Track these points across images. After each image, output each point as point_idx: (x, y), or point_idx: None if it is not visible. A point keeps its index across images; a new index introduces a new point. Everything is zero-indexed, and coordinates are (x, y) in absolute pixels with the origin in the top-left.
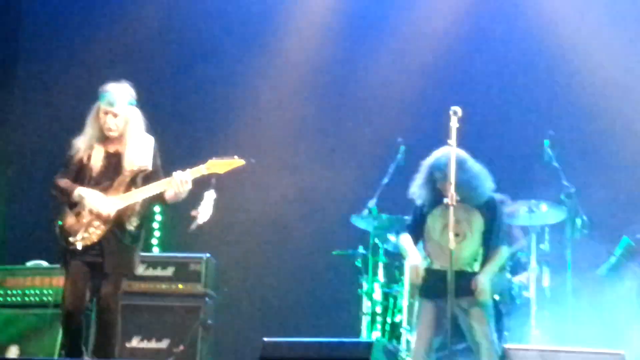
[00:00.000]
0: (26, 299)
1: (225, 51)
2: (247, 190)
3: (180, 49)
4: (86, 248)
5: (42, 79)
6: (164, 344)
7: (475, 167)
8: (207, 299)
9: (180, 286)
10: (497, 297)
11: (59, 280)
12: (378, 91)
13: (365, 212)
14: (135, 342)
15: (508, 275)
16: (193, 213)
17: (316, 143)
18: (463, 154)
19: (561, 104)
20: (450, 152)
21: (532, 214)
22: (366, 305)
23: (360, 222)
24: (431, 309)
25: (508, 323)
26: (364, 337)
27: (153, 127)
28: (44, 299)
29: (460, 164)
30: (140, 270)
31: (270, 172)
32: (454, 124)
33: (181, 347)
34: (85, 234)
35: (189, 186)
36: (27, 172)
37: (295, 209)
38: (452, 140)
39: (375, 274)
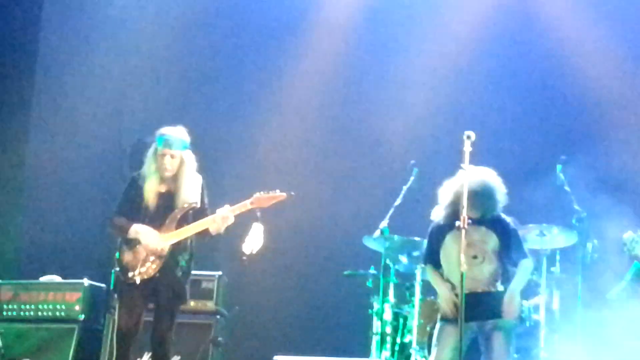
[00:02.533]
0: (39, 313)
1: (236, 76)
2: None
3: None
4: (142, 281)
5: (59, 95)
6: None
7: (495, 181)
8: (218, 316)
9: (192, 303)
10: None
11: (72, 296)
12: (391, 113)
13: (377, 233)
14: (146, 358)
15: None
16: (244, 247)
17: (329, 165)
18: (489, 175)
19: (574, 129)
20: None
21: (543, 238)
22: (376, 325)
23: (372, 243)
24: (451, 332)
25: (518, 345)
26: (373, 356)
27: None
28: (57, 313)
29: (487, 185)
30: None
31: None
32: (467, 148)
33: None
34: (142, 269)
35: (232, 221)
36: (42, 187)
37: (307, 229)
38: (466, 164)
39: (386, 294)
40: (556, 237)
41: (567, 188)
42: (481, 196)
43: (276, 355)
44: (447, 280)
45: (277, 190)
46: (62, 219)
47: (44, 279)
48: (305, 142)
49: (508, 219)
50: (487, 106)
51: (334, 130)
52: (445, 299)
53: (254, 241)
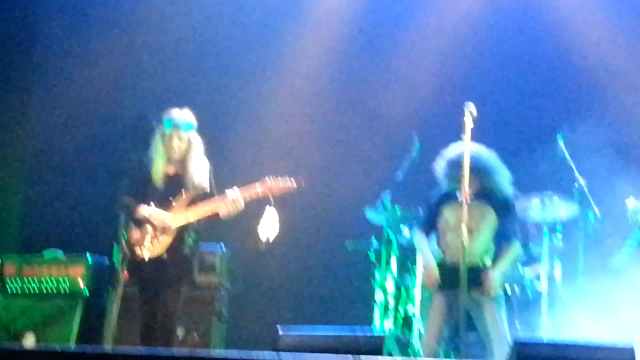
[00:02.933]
0: (43, 288)
1: (239, 49)
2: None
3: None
4: (151, 259)
5: (59, 71)
6: (178, 333)
7: (498, 164)
8: (221, 290)
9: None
10: (508, 289)
11: (76, 270)
12: (393, 86)
13: (379, 205)
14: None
15: (520, 268)
16: (260, 232)
17: (332, 138)
18: (486, 151)
19: (575, 98)
20: (478, 150)
21: (544, 208)
22: (379, 296)
23: (374, 215)
24: (442, 301)
25: (520, 315)
26: (376, 327)
27: None
28: (61, 288)
29: (486, 161)
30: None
31: (285, 166)
32: (467, 120)
33: (195, 337)
34: (150, 247)
35: (242, 206)
36: (44, 161)
37: (309, 201)
38: (466, 136)
39: (388, 266)
40: (557, 207)
41: (568, 157)
42: (483, 172)
43: (279, 327)
44: (440, 250)
45: (287, 177)
46: (65, 194)
47: (47, 253)
48: (308, 116)
49: (513, 192)
50: (487, 78)
51: (336, 103)
52: (427, 268)
53: (269, 227)
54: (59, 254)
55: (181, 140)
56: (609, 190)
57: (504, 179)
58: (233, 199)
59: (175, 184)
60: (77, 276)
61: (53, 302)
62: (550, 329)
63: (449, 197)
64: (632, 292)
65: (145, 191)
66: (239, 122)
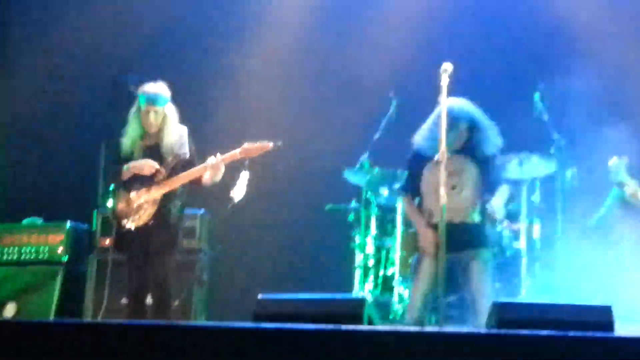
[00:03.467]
0: (22, 256)
1: (214, 10)
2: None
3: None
4: (137, 228)
5: (32, 37)
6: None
7: (487, 122)
8: (201, 254)
9: None
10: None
11: (55, 237)
12: (369, 46)
13: (358, 166)
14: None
15: (499, 227)
16: (231, 194)
17: (307, 99)
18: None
19: (550, 55)
20: (466, 105)
21: (522, 167)
22: (359, 258)
23: (353, 176)
24: (430, 263)
25: (499, 275)
26: (356, 290)
27: None
28: (40, 256)
29: (477, 117)
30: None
31: (261, 129)
32: (444, 81)
33: (176, 302)
34: (135, 216)
35: (223, 171)
36: (22, 130)
37: (287, 164)
38: (443, 96)
39: (367, 227)
40: (535, 166)
41: (545, 116)
42: (466, 127)
43: (260, 292)
44: (425, 210)
45: (265, 141)
46: (42, 161)
47: (26, 221)
48: (285, 79)
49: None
50: (462, 37)
51: (313, 65)
52: (422, 235)
53: (240, 189)
54: (39, 222)
55: (157, 114)
56: (588, 147)
57: (493, 132)
58: (213, 164)
59: (155, 155)
60: (57, 243)
61: (33, 270)
62: (529, 288)
63: (428, 156)
64: (610, 249)
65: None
66: (216, 86)
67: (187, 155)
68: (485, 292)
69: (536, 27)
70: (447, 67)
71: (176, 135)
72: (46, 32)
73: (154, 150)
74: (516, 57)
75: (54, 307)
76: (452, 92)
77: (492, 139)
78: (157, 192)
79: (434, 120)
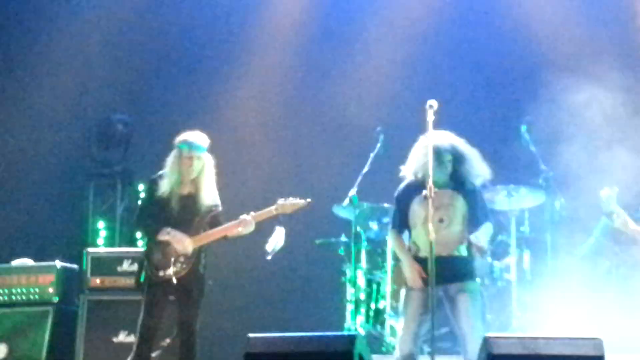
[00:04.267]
0: (13, 297)
1: (202, 50)
2: (230, 182)
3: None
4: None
5: (23, 72)
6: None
7: (472, 153)
8: None
9: None
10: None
11: (45, 278)
12: (356, 82)
13: (347, 201)
14: (122, 337)
15: (489, 259)
16: (267, 248)
17: (296, 135)
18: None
19: (538, 90)
20: (448, 137)
21: (511, 198)
22: (350, 292)
23: (342, 211)
24: (418, 297)
25: (490, 306)
26: (348, 323)
27: None
28: (31, 297)
29: (462, 151)
30: (126, 266)
31: (252, 165)
32: (430, 117)
33: (167, 341)
34: (174, 269)
35: (253, 227)
36: (13, 171)
37: (277, 199)
38: (429, 133)
39: (358, 261)
40: (524, 197)
41: (532, 148)
42: (460, 157)
43: (251, 328)
44: (414, 243)
45: (298, 198)
46: (32, 201)
47: (16, 262)
48: (271, 115)
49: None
50: (449, 71)
51: (299, 101)
52: (408, 268)
53: (276, 242)
54: (28, 262)
55: (198, 161)
56: (575, 178)
57: (478, 162)
58: (247, 221)
59: (190, 204)
60: (47, 284)
61: (24, 311)
62: (520, 317)
63: (416, 190)
64: (599, 279)
65: (161, 213)
66: (203, 124)
67: (220, 209)
68: (475, 324)
69: (521, 61)
70: (432, 104)
71: (212, 185)
72: (34, 71)
73: (190, 200)
74: (502, 91)
75: (45, 347)
76: (439, 126)
77: (478, 168)
78: (191, 247)
79: (422, 151)
